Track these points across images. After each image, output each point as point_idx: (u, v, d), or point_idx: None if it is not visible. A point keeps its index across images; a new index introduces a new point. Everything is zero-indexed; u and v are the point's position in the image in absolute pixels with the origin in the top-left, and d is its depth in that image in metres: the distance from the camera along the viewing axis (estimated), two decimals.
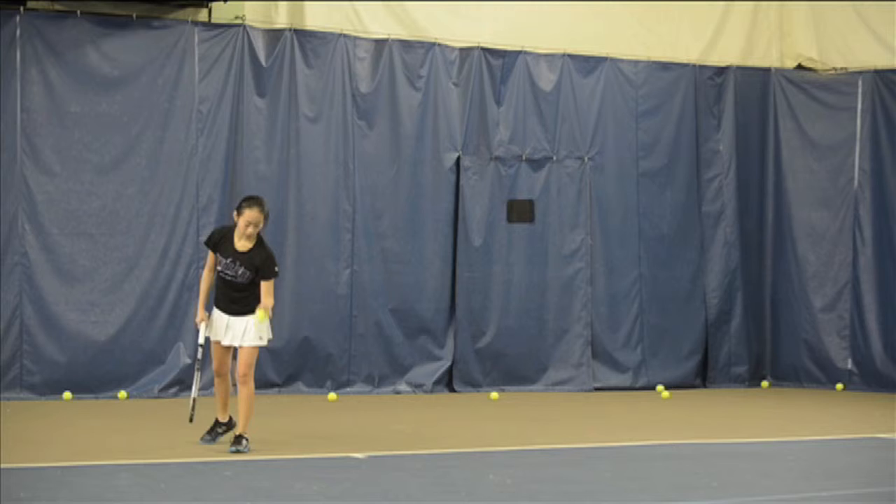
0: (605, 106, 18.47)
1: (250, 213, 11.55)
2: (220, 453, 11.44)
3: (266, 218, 11.69)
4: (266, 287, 11.56)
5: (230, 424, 11.97)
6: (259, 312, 11.50)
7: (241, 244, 11.59)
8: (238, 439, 11.54)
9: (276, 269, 11.66)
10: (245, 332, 11.58)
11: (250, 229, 11.55)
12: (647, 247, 18.70)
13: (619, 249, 18.56)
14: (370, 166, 17.23)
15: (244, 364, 11.59)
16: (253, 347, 11.62)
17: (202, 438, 11.94)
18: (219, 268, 11.65)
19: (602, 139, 18.48)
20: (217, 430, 11.98)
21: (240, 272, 11.56)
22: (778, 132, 19.33)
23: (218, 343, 11.75)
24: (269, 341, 11.88)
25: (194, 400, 11.84)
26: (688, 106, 18.94)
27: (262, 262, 11.57)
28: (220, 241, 11.70)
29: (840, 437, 13.78)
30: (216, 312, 11.73)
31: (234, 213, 11.74)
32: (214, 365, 11.91)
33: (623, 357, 18.51)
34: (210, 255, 11.79)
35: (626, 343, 18.56)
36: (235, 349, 11.75)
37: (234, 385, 11.84)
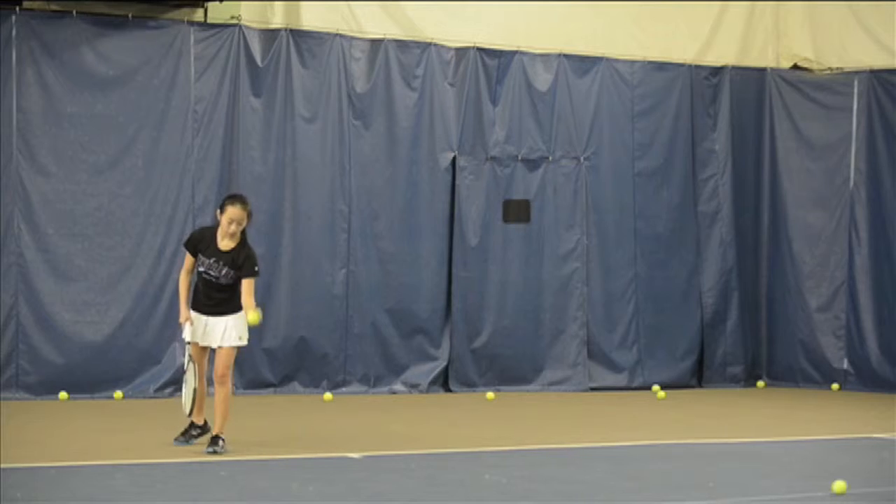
0: (600, 106, 18.47)
1: (233, 211, 11.46)
2: (217, 454, 11.41)
3: (249, 216, 11.59)
4: (247, 286, 11.46)
5: (205, 428, 11.87)
6: (252, 314, 11.42)
7: (225, 243, 11.52)
8: (215, 440, 11.47)
9: (257, 268, 11.59)
10: (225, 332, 11.52)
11: (233, 227, 11.45)
12: (642, 247, 18.70)
13: (614, 249, 18.56)
14: (366, 166, 17.22)
15: (222, 365, 11.53)
16: (232, 348, 11.57)
17: (176, 440, 11.86)
18: (201, 269, 11.53)
19: (598, 139, 18.47)
20: (192, 432, 11.89)
21: (223, 272, 11.48)
22: (774, 132, 19.33)
23: (196, 345, 11.66)
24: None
25: (194, 390, 11.69)
26: (684, 106, 18.93)
27: (244, 260, 11.48)
28: (201, 241, 11.61)
29: (836, 437, 13.78)
30: (193, 314, 11.60)
31: (217, 211, 11.67)
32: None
33: (619, 357, 18.50)
34: (188, 258, 11.66)
35: (622, 343, 18.56)
36: (212, 350, 11.69)
37: (211, 385, 11.78)
